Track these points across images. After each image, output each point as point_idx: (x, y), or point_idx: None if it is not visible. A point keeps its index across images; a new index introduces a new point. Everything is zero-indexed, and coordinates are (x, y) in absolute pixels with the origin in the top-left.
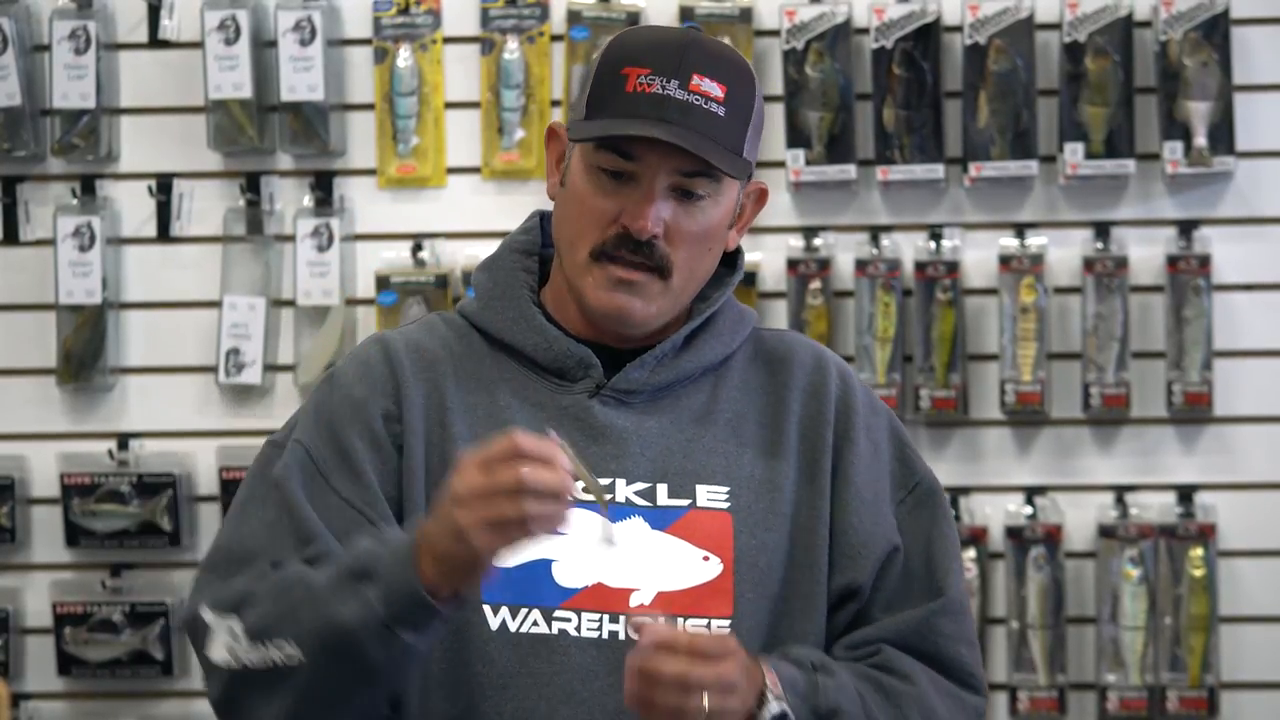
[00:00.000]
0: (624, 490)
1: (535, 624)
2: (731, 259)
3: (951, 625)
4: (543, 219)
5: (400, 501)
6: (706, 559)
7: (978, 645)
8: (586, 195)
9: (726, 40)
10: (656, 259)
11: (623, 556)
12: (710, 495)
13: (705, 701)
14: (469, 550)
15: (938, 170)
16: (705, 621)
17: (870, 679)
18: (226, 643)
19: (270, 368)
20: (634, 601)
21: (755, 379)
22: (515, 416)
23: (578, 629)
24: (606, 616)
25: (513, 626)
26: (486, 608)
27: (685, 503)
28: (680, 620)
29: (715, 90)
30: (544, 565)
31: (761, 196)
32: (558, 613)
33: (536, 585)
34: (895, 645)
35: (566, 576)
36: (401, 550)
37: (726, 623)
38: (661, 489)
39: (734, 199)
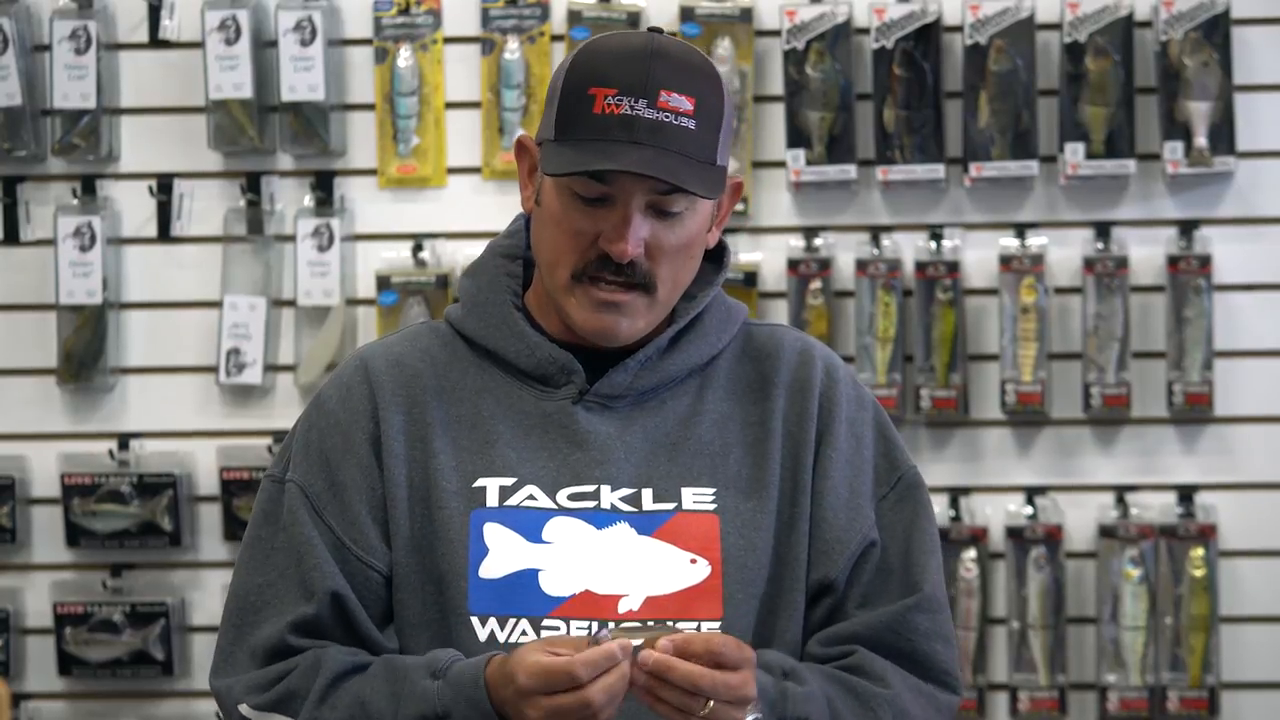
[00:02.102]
0: (609, 496)
1: (524, 634)
2: (718, 255)
3: (927, 621)
4: (527, 221)
5: (386, 523)
6: (694, 561)
7: (954, 642)
8: (563, 218)
9: (726, 41)
10: (639, 277)
11: (610, 562)
12: (696, 497)
13: (709, 707)
14: None
15: (938, 170)
16: (695, 624)
17: (841, 681)
18: None
19: (271, 368)
20: (622, 607)
21: (742, 377)
22: (499, 426)
23: None
24: (595, 623)
25: (501, 637)
26: (474, 619)
27: (671, 506)
28: (671, 624)
29: (684, 104)
30: (530, 575)
31: (737, 189)
32: (546, 622)
33: (524, 595)
34: (870, 642)
35: (553, 585)
36: (477, 698)
37: (717, 625)
38: (647, 494)
39: (711, 203)
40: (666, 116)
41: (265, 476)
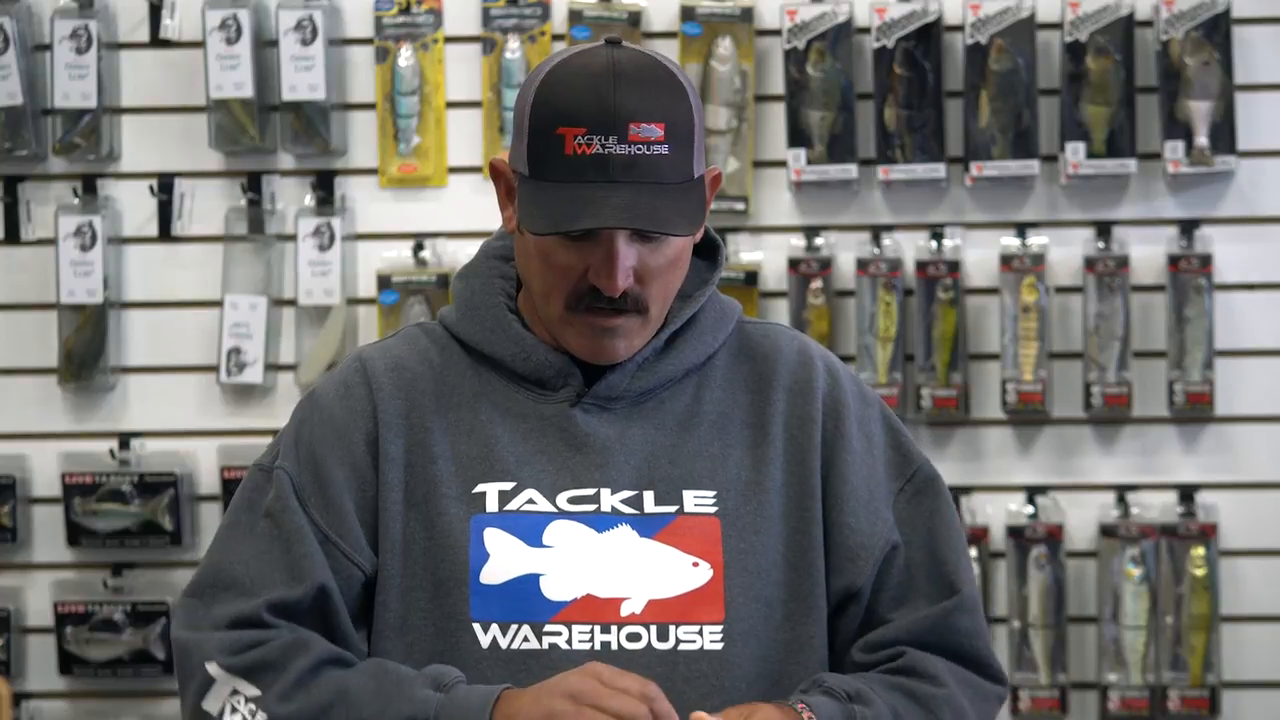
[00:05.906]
0: (610, 499)
1: (526, 640)
2: (712, 253)
3: (968, 621)
4: None
5: (375, 527)
6: (696, 565)
7: (988, 635)
8: (549, 253)
9: (727, 40)
10: (631, 303)
11: (612, 565)
12: (698, 500)
13: None
14: None
15: (939, 170)
16: (697, 627)
17: (900, 688)
18: (235, 706)
19: (271, 367)
20: (625, 611)
21: (739, 376)
22: (497, 430)
23: (569, 642)
24: (598, 627)
25: (504, 644)
26: (476, 626)
27: (673, 509)
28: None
29: (655, 132)
30: (532, 580)
31: (715, 180)
32: (548, 627)
33: (526, 600)
34: (914, 645)
35: (555, 590)
36: (474, 706)
37: (719, 628)
38: (648, 496)
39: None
40: (639, 149)
41: (253, 465)
